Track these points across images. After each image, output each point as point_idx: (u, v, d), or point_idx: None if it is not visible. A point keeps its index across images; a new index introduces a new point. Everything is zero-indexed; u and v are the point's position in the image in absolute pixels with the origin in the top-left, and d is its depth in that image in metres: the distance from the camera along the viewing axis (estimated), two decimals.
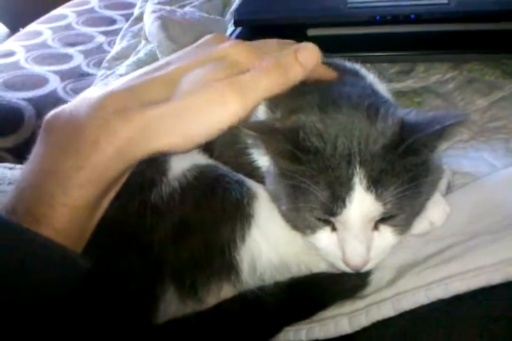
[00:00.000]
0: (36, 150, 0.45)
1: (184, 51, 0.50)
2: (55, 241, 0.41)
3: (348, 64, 0.62)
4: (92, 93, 0.45)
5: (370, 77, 0.62)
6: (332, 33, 0.88)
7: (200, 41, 0.51)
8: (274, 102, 0.54)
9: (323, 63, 0.53)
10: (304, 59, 0.47)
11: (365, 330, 0.46)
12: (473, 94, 0.78)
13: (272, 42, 0.53)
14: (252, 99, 0.45)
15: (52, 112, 0.45)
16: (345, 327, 0.47)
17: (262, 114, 0.55)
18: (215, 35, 0.52)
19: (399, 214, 0.47)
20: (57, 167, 0.43)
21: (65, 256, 0.42)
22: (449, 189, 0.58)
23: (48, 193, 0.42)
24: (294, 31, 0.88)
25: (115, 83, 0.47)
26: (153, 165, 0.52)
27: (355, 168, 0.45)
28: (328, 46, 0.86)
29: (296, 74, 0.47)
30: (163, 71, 0.47)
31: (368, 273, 0.49)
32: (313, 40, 0.86)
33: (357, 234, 0.46)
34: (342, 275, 0.50)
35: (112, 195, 0.47)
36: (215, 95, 0.44)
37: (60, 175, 0.42)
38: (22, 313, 0.40)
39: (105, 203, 0.47)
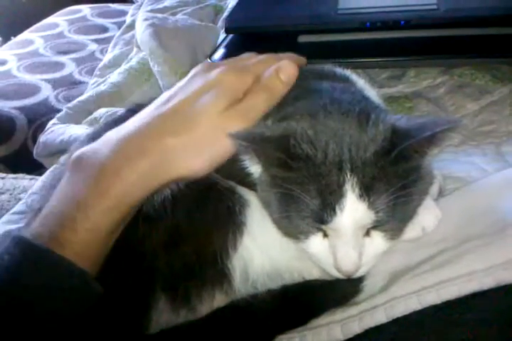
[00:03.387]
0: (62, 184, 0.50)
1: (181, 84, 0.54)
2: (78, 266, 0.45)
3: (338, 70, 0.62)
4: (114, 134, 0.51)
5: (361, 82, 0.62)
6: (323, 40, 0.88)
7: (191, 73, 0.56)
8: None
9: (308, 70, 0.58)
10: (285, 77, 0.53)
11: (357, 337, 0.46)
12: (464, 99, 0.79)
13: (253, 58, 0.57)
14: (253, 121, 0.50)
15: (78, 151, 0.50)
16: (338, 334, 0.46)
17: None
18: (203, 64, 0.57)
19: (390, 221, 0.46)
20: (80, 195, 0.47)
21: (85, 281, 0.45)
22: (441, 194, 0.58)
23: (71, 219, 0.46)
24: (284, 38, 0.89)
25: (130, 123, 0.52)
26: None
27: (347, 175, 0.44)
28: (319, 52, 0.87)
29: (280, 91, 0.53)
30: (168, 105, 0.51)
31: (360, 280, 0.49)
32: (304, 46, 0.88)
33: (348, 240, 0.46)
34: (335, 282, 0.49)
35: (127, 220, 0.50)
36: (226, 124, 0.49)
37: (83, 202, 0.47)
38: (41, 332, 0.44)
39: (122, 228, 0.50)
